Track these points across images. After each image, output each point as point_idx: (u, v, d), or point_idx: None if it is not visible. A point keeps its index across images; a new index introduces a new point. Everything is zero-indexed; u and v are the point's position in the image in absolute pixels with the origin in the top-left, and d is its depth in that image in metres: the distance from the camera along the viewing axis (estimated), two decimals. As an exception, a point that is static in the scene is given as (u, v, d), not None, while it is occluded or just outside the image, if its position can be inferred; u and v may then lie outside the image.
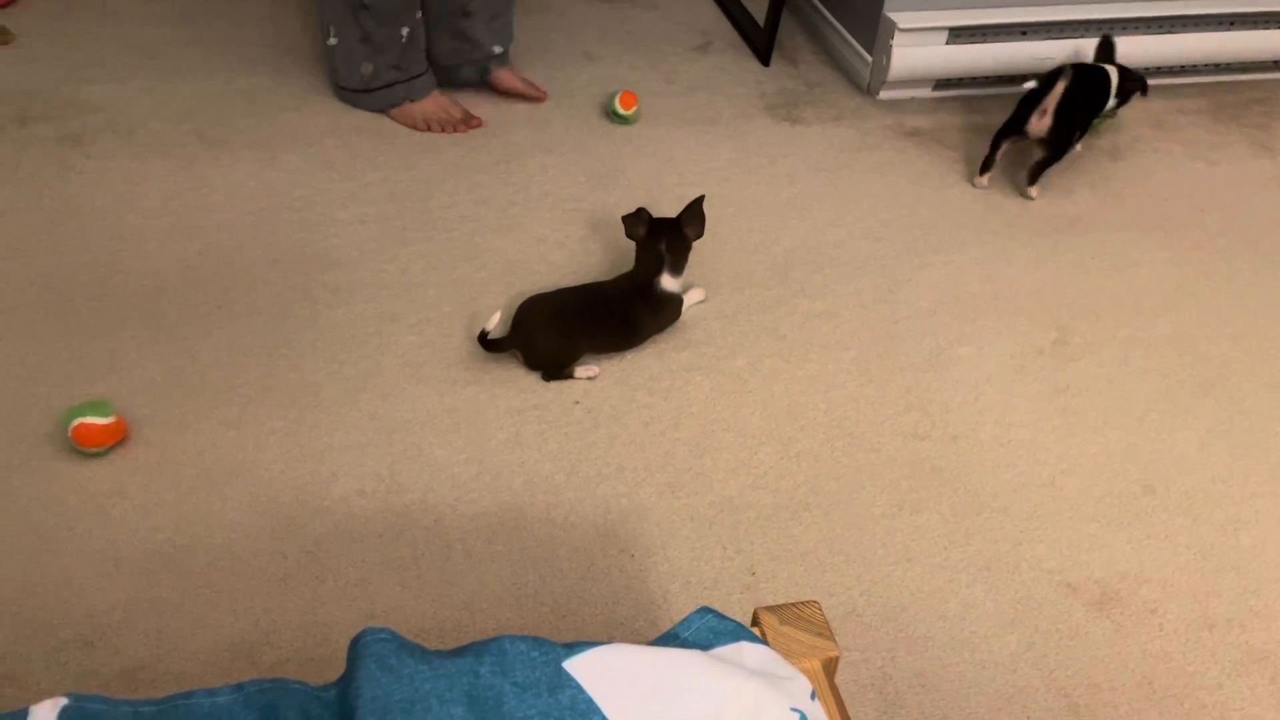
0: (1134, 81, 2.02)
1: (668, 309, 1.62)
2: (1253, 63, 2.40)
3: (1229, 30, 2.29)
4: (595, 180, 1.97)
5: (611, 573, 1.30)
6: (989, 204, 1.99)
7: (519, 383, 1.55)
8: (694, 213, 1.62)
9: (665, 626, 0.83)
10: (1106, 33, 2.11)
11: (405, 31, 1.97)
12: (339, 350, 1.57)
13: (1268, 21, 2.30)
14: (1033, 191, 1.99)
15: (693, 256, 1.65)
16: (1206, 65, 2.39)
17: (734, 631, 0.79)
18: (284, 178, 1.90)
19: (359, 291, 1.68)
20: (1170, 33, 2.27)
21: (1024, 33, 2.19)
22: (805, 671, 0.79)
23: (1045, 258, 1.87)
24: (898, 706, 1.19)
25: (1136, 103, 2.10)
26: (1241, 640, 1.29)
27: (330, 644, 1.20)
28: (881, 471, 1.46)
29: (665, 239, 1.60)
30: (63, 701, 0.66)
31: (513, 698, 0.67)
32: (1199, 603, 1.33)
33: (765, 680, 0.72)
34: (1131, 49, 2.18)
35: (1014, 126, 1.94)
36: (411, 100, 2.05)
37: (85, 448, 1.37)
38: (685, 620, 0.80)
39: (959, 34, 2.16)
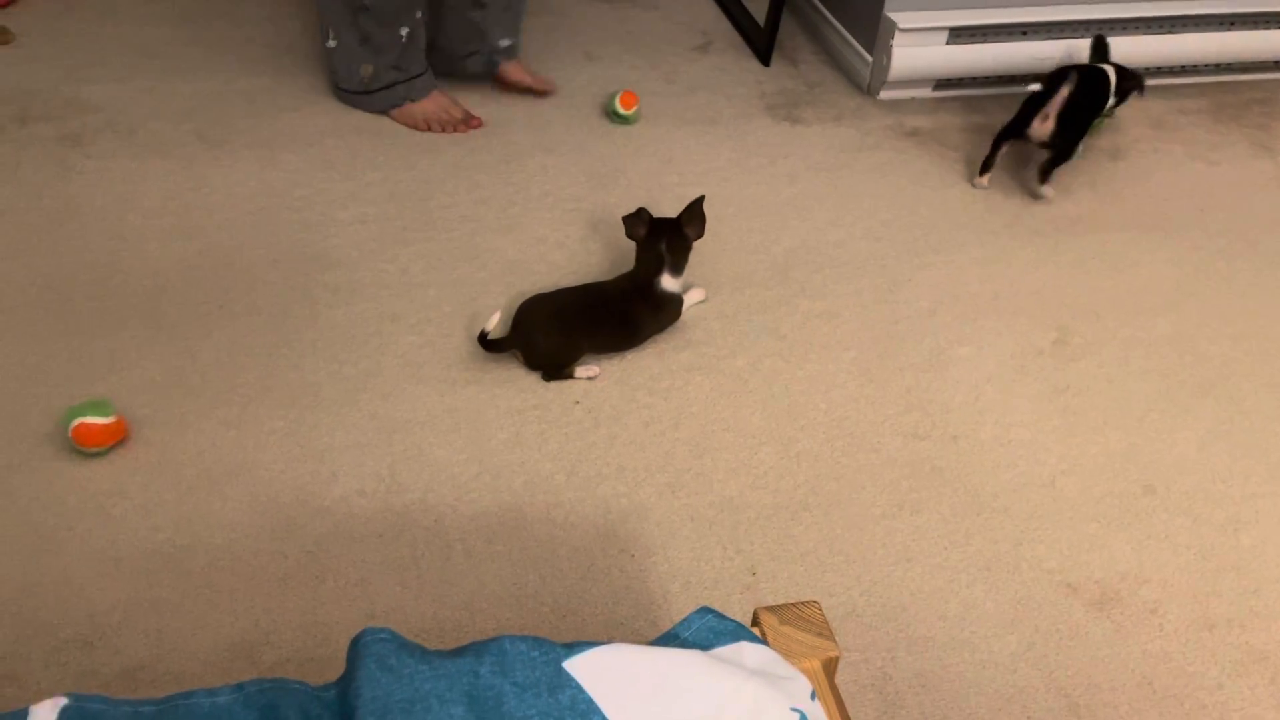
0: (1132, 80, 2.02)
1: (668, 309, 1.62)
2: (1253, 63, 2.41)
3: (1229, 30, 2.29)
4: (595, 180, 1.97)
5: (611, 573, 1.30)
6: (989, 204, 1.99)
7: (519, 383, 1.55)
8: (694, 213, 1.62)
9: (665, 626, 0.83)
10: (1099, 33, 2.11)
11: (405, 32, 1.97)
12: (339, 350, 1.57)
13: (1268, 21, 2.30)
14: (1047, 191, 1.97)
15: (693, 256, 1.65)
16: (1207, 65, 2.39)
17: (734, 631, 0.79)
18: (284, 178, 1.90)
19: (359, 291, 1.68)
20: (1170, 33, 2.27)
21: (1024, 33, 2.19)
22: (805, 671, 0.79)
23: (1045, 258, 1.87)
24: (898, 707, 1.19)
25: (1136, 103, 2.11)
26: (1242, 640, 1.29)
27: (330, 644, 1.20)
28: (882, 471, 1.46)
29: (665, 239, 1.60)
30: (63, 701, 0.66)
31: (513, 698, 0.67)
32: (1199, 603, 1.33)
33: (765, 680, 0.72)
34: (1132, 49, 2.19)
35: (1016, 129, 1.94)
36: (412, 100, 2.05)
37: (85, 447, 1.37)
38: (685, 620, 0.80)
39: (959, 34, 2.16)
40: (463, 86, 2.14)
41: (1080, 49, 2.11)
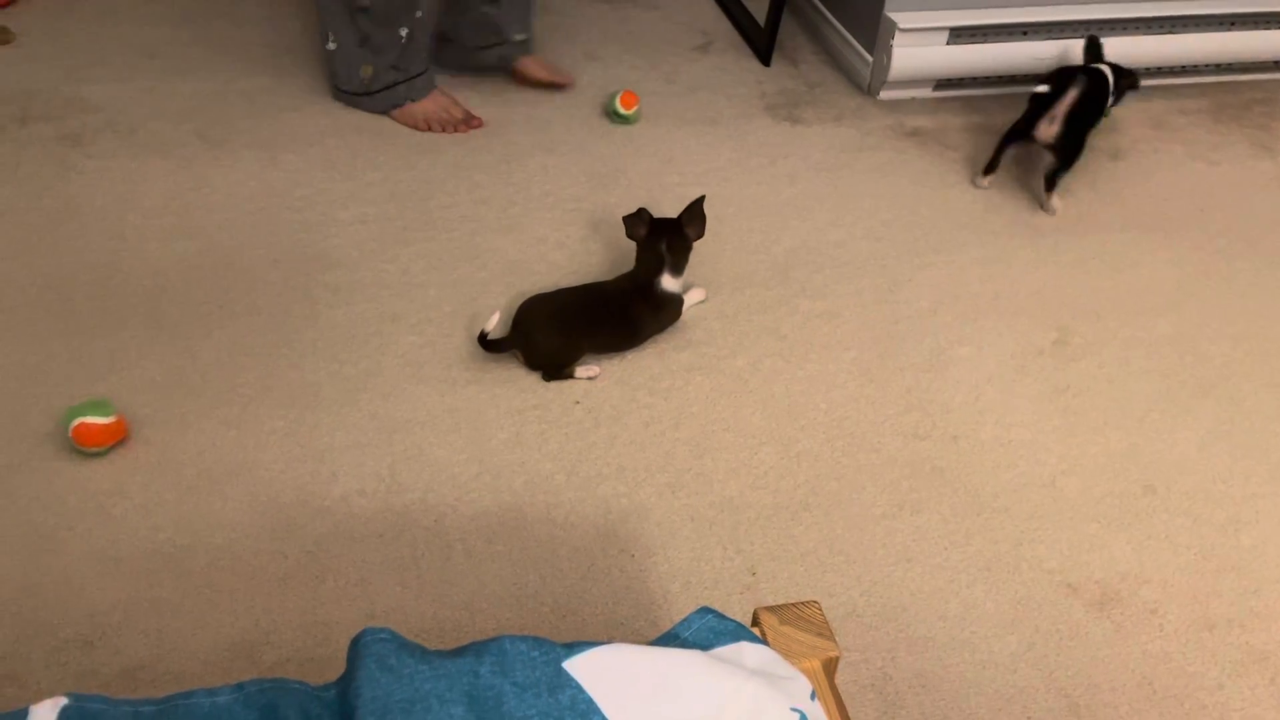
0: (1128, 78, 2.01)
1: (668, 309, 1.62)
2: (1254, 63, 2.40)
3: (1230, 30, 2.29)
4: (596, 180, 1.97)
5: (612, 573, 1.30)
6: (990, 204, 1.99)
7: (519, 383, 1.55)
8: (695, 213, 1.62)
9: (665, 626, 0.83)
10: (1092, 34, 2.09)
11: (404, 32, 1.97)
12: (339, 350, 1.57)
13: (1268, 22, 2.30)
14: (1055, 203, 1.95)
15: (693, 256, 1.65)
16: (1207, 65, 2.38)
17: (734, 631, 0.79)
18: (284, 177, 1.90)
19: (359, 291, 1.68)
20: (1171, 33, 2.27)
21: (1024, 33, 2.19)
22: (805, 672, 0.79)
23: (1046, 258, 1.87)
24: (898, 707, 1.19)
25: (1136, 103, 2.10)
26: (1242, 641, 1.29)
27: (330, 644, 1.20)
28: (882, 472, 1.46)
29: (666, 239, 1.60)
30: (63, 701, 0.66)
31: (513, 698, 0.67)
32: (1199, 603, 1.33)
33: (765, 680, 0.72)
34: (1132, 49, 2.18)
35: (1022, 131, 1.92)
36: (412, 100, 2.05)
37: (86, 447, 1.37)
38: (685, 620, 0.80)
39: (959, 34, 2.16)
40: (464, 87, 2.14)
41: (1071, 51, 2.10)
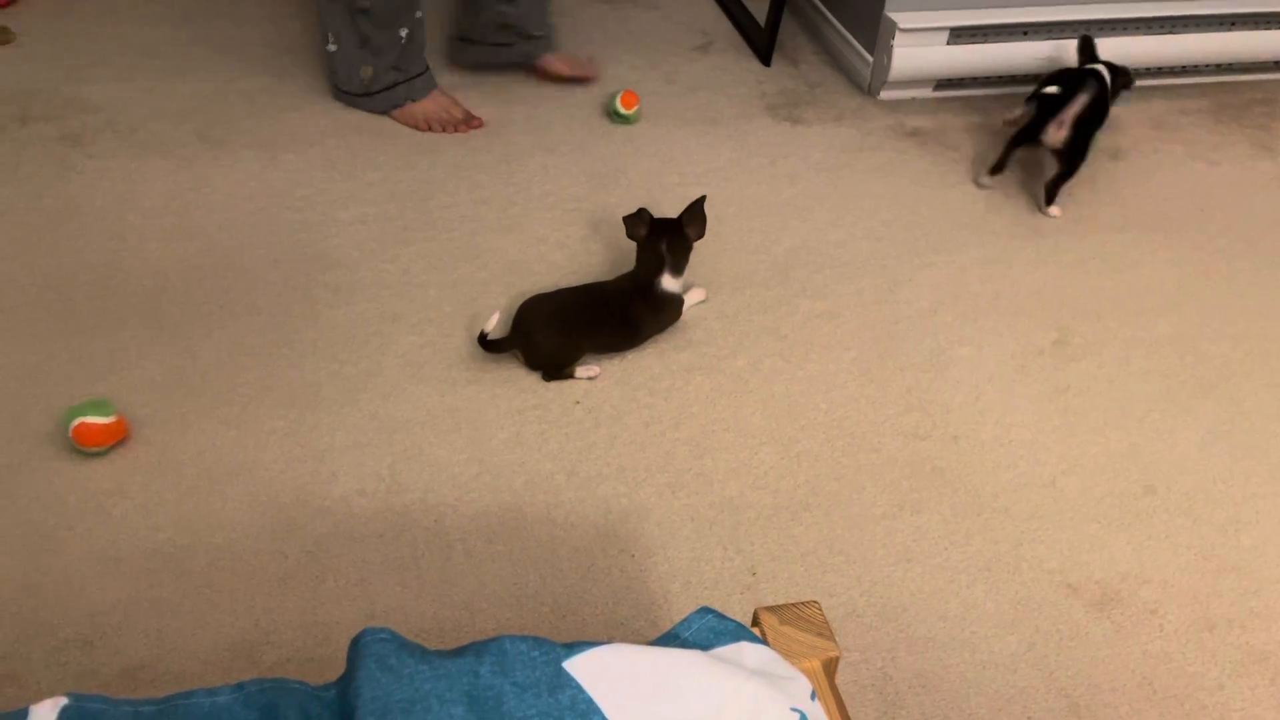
0: (1124, 76, 2.00)
1: (668, 309, 1.62)
2: (1254, 63, 2.40)
3: (1230, 30, 2.29)
4: (596, 180, 1.97)
5: (612, 573, 1.30)
6: (990, 204, 1.99)
7: (519, 383, 1.55)
8: (695, 213, 1.62)
9: (665, 626, 0.83)
10: (1085, 34, 2.07)
11: (404, 33, 1.98)
12: (339, 350, 1.57)
13: (1269, 22, 2.30)
14: (1053, 211, 1.95)
15: (693, 256, 1.64)
16: (1208, 65, 2.38)
17: (734, 632, 0.79)
18: (285, 177, 1.90)
19: (360, 291, 1.68)
20: (1171, 33, 2.27)
21: (1025, 33, 2.19)
22: (805, 672, 0.79)
23: (1046, 258, 1.87)
24: (898, 707, 1.19)
25: (1137, 103, 2.10)
26: (1242, 641, 1.29)
27: (330, 644, 1.20)
28: (882, 472, 1.46)
29: (666, 239, 1.60)
30: (63, 701, 0.66)
31: (513, 698, 0.67)
32: (1200, 603, 1.33)
33: (765, 680, 0.72)
34: (1132, 49, 2.18)
35: (1030, 134, 1.90)
36: (412, 100, 2.05)
37: (86, 447, 1.37)
38: (685, 620, 0.80)
39: (960, 34, 2.16)
40: (464, 87, 2.14)
41: (1060, 51, 2.09)
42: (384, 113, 2.07)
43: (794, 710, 0.71)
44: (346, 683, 0.68)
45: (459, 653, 0.70)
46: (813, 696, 0.75)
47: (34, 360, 1.51)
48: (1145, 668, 1.25)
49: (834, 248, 1.85)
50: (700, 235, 1.63)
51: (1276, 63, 2.43)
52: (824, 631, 0.87)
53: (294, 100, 2.11)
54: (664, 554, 1.33)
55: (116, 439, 1.38)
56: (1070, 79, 1.90)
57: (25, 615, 1.21)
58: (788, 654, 0.84)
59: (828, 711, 0.79)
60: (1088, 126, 1.89)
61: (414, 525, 1.34)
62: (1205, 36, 2.28)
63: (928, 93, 2.29)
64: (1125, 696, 1.22)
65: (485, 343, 1.53)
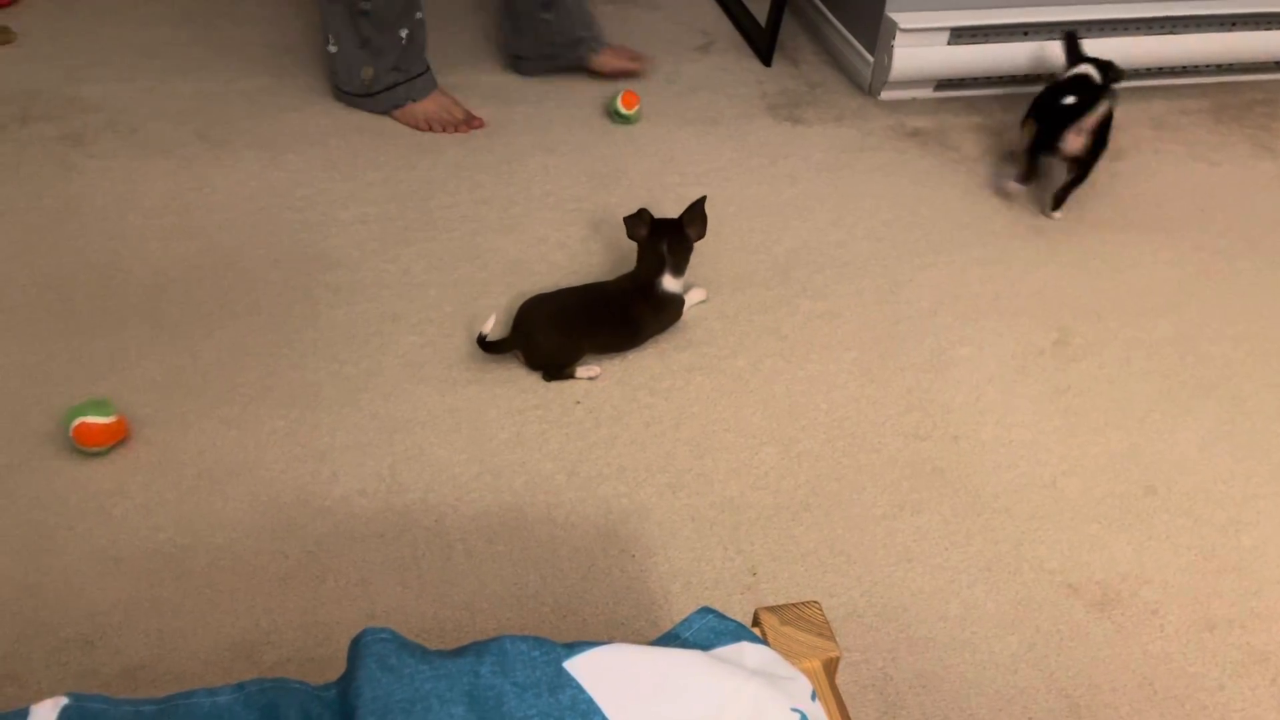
0: (1113, 72, 1.97)
1: (669, 309, 1.62)
2: (1255, 63, 2.40)
3: (1231, 31, 2.29)
4: (597, 180, 1.97)
5: (612, 573, 1.30)
6: (990, 205, 1.99)
7: (520, 383, 1.55)
8: (696, 213, 1.62)
9: (666, 627, 0.83)
10: (1070, 30, 2.04)
11: (405, 33, 1.98)
12: (340, 350, 1.57)
13: (1269, 22, 2.30)
14: (1057, 215, 1.95)
15: (694, 257, 1.64)
16: (1208, 66, 2.39)
17: (735, 632, 0.79)
18: (285, 177, 1.90)
19: (360, 291, 1.68)
20: (1172, 33, 2.27)
21: (1025, 33, 2.19)
22: (806, 672, 0.79)
23: (1046, 258, 1.87)
24: (898, 707, 1.19)
25: (1137, 103, 2.09)
26: (1243, 641, 1.29)
27: (331, 644, 1.20)
28: (882, 472, 1.46)
29: (667, 240, 1.59)
30: (63, 701, 0.66)
31: (513, 698, 0.67)
32: (1200, 604, 1.33)
33: (766, 680, 0.72)
34: (1133, 49, 2.18)
35: (1048, 143, 1.87)
36: (413, 100, 2.05)
37: (86, 447, 1.37)
38: (686, 620, 0.80)
39: (960, 34, 2.16)
40: (465, 87, 2.14)
41: (1047, 51, 2.08)
42: (385, 113, 2.07)
43: (794, 710, 0.71)
44: (347, 682, 0.68)
45: (459, 653, 0.70)
46: (813, 697, 0.75)
47: (34, 360, 1.51)
48: (1146, 668, 1.25)
49: (834, 248, 1.85)
50: (701, 235, 1.63)
51: (1277, 63, 2.43)
52: (824, 632, 0.87)
53: (295, 100, 2.11)
54: (664, 554, 1.33)
55: (117, 439, 1.38)
56: (1083, 88, 1.87)
57: (25, 615, 1.21)
58: (788, 654, 0.84)
59: (828, 712, 0.79)
60: (1104, 133, 1.88)
61: (414, 525, 1.34)
62: (1206, 37, 2.28)
63: (928, 93, 2.29)
64: (1126, 697, 1.22)
65: (484, 345, 1.53)
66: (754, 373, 1.60)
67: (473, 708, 0.66)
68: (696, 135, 2.11)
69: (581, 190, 1.94)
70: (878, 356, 1.64)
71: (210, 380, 1.51)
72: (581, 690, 0.68)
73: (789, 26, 2.46)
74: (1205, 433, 1.56)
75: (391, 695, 0.66)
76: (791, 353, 1.64)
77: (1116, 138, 2.18)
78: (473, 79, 2.20)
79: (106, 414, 1.36)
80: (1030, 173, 1.95)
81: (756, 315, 1.70)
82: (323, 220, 1.81)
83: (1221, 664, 1.26)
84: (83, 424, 1.35)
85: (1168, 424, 1.57)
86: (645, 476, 1.42)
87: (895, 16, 2.12)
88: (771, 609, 0.89)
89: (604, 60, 2.21)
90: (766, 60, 2.37)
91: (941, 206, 1.97)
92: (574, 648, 0.71)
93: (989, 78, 2.27)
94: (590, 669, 0.69)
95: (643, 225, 1.60)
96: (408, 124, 2.06)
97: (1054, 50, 2.15)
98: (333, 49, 2.01)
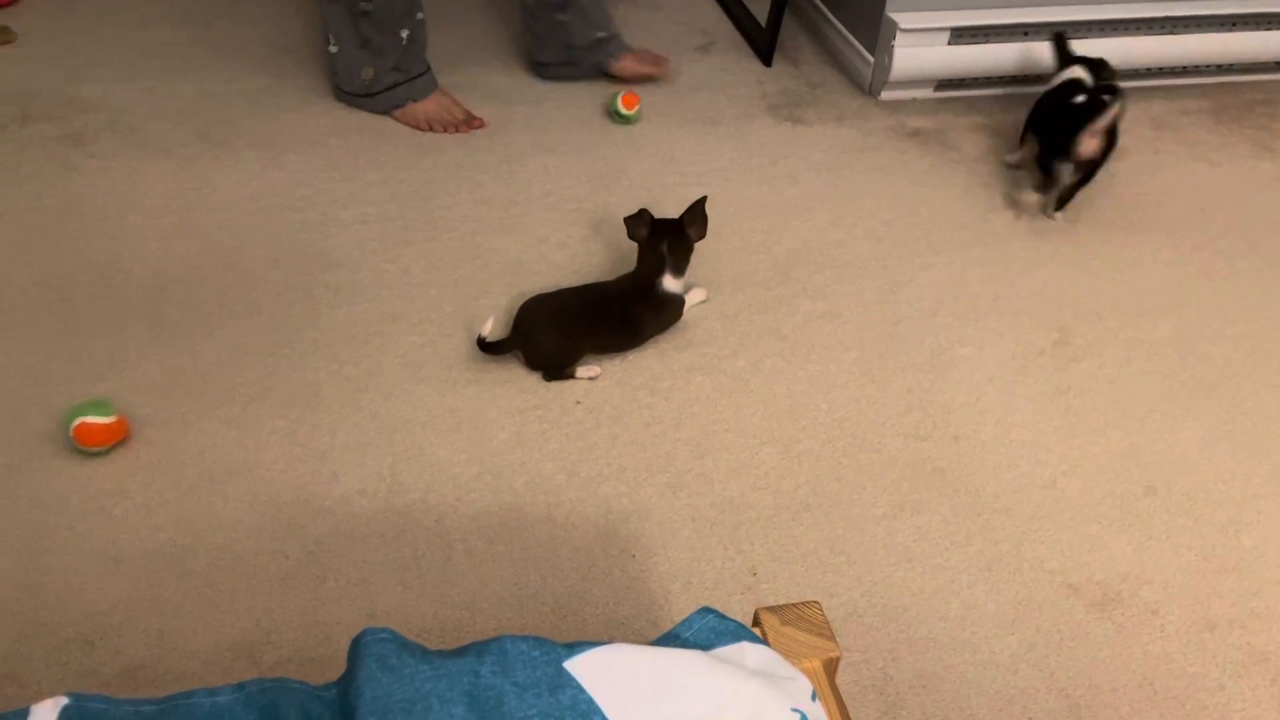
0: (1105, 70, 1.95)
1: (669, 309, 1.62)
2: (1255, 64, 2.40)
3: (1231, 31, 2.29)
4: (597, 180, 1.97)
5: (612, 573, 1.30)
6: (990, 205, 1.99)
7: (520, 383, 1.55)
8: (696, 213, 1.62)
9: (666, 627, 0.83)
10: (1058, 31, 2.03)
11: (405, 34, 1.98)
12: (340, 350, 1.57)
13: (1270, 22, 2.30)
14: (1058, 215, 1.95)
15: (694, 257, 1.64)
16: (1208, 66, 2.39)
17: (735, 632, 0.79)
18: (286, 177, 1.90)
19: (360, 291, 1.68)
20: (1172, 33, 2.27)
21: (1026, 33, 2.19)
22: (806, 672, 0.79)
23: (1046, 258, 1.87)
24: (899, 707, 1.19)
25: (1137, 103, 2.09)
26: (1243, 641, 1.29)
27: (331, 644, 1.20)
28: (883, 472, 1.46)
29: (667, 240, 1.59)
30: (63, 701, 0.66)
31: (513, 698, 0.67)
32: (1200, 604, 1.33)
33: (766, 680, 0.72)
34: (1133, 49, 2.18)
35: (1062, 147, 1.86)
36: (414, 100, 2.05)
37: (86, 447, 1.37)
38: (686, 620, 0.80)
39: (961, 34, 2.16)
40: (465, 87, 2.14)
41: (1035, 50, 2.07)
42: (385, 113, 2.07)
43: (795, 710, 0.71)
44: (347, 682, 0.68)
45: (460, 653, 0.70)
46: (813, 697, 0.75)
47: (34, 360, 1.51)
48: (1146, 668, 1.25)
49: (835, 248, 1.85)
50: (701, 236, 1.63)
51: (1277, 63, 2.43)
52: (825, 632, 0.87)
53: (295, 100, 2.11)
54: (665, 554, 1.33)
55: (117, 439, 1.38)
56: (1091, 90, 1.87)
57: (26, 615, 1.21)
58: (788, 654, 0.84)
59: (828, 712, 0.79)
60: (1112, 136, 1.87)
61: (415, 525, 1.34)
62: (1206, 37, 2.28)
63: (929, 93, 2.29)
64: (1126, 697, 1.22)
65: (484, 345, 1.53)
66: (754, 373, 1.60)
67: (473, 708, 0.66)
68: (697, 135, 2.11)
69: (582, 190, 1.94)
70: (878, 356, 1.64)
71: (210, 380, 1.51)
72: (581, 690, 0.68)
73: (789, 26, 2.46)
74: (1205, 433, 1.56)
75: (392, 695, 0.66)
76: (792, 353, 1.64)
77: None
78: (473, 79, 2.20)
79: (106, 414, 1.36)
80: (1048, 181, 1.93)
81: (757, 315, 1.70)
82: (323, 220, 1.81)
83: (1222, 664, 1.26)
84: (83, 424, 1.35)
85: (1168, 424, 1.57)
86: (645, 476, 1.42)
87: (895, 16, 2.12)
88: (772, 609, 0.89)
89: (625, 65, 2.20)
90: (767, 60, 2.37)
91: (941, 206, 1.97)
92: (574, 648, 0.71)
93: (989, 78, 2.27)
94: (590, 669, 0.70)
95: (643, 225, 1.60)
96: (408, 124, 2.06)
97: (1053, 51, 2.15)
98: (333, 49, 2.01)
